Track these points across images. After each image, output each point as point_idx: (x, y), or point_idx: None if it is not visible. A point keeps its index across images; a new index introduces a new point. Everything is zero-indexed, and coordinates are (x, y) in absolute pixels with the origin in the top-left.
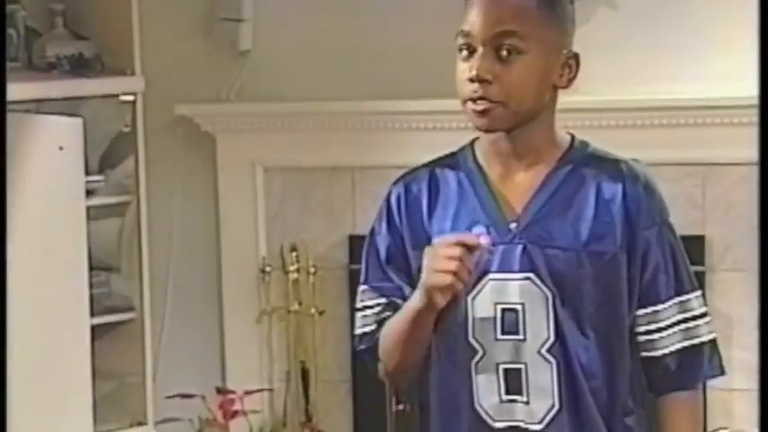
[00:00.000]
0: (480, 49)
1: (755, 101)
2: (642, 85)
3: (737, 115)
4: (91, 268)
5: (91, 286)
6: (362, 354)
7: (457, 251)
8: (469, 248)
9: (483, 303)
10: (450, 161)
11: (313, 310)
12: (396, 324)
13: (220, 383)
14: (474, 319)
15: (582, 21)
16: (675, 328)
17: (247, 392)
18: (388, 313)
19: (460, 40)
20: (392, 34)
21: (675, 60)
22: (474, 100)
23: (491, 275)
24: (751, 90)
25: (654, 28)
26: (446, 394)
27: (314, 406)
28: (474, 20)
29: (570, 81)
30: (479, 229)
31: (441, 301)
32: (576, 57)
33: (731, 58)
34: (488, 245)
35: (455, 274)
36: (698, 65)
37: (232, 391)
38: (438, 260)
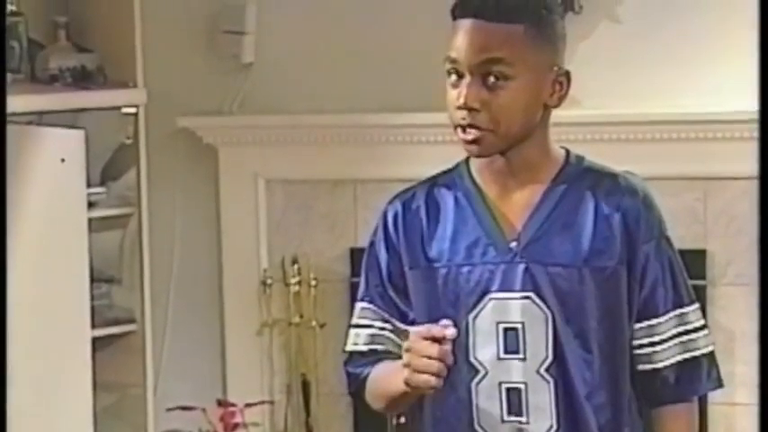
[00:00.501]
0: (467, 77)
1: (756, 115)
2: (644, 99)
3: (739, 130)
4: (92, 280)
5: (92, 298)
6: (348, 377)
7: (435, 350)
8: (443, 340)
9: (484, 323)
10: (445, 180)
11: (314, 323)
12: (382, 384)
13: (221, 396)
14: (475, 338)
15: (584, 35)
16: (674, 341)
17: (248, 405)
18: (383, 342)
19: (448, 66)
20: (395, 47)
21: (677, 75)
22: (463, 127)
23: (492, 294)
24: (752, 104)
25: (655, 42)
26: (443, 414)
27: (315, 419)
28: (460, 46)
29: (561, 99)
30: (445, 321)
31: (426, 393)
32: (567, 74)
33: (732, 73)
34: (453, 336)
35: (436, 374)
36: (699, 79)
37: (233, 404)
38: (418, 360)
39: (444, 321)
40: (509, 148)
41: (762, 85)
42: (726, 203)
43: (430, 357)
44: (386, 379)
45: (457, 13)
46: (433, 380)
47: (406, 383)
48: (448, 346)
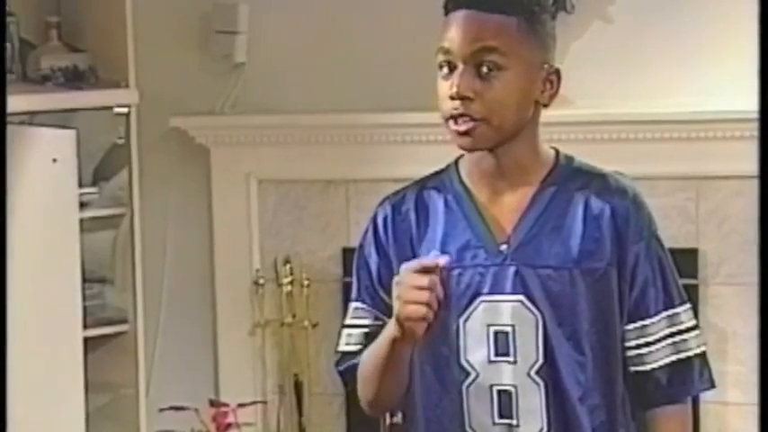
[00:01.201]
0: (460, 66)
1: (749, 115)
2: (636, 98)
3: (731, 129)
4: (84, 280)
5: (84, 298)
6: (341, 376)
7: (426, 280)
8: (434, 271)
9: (475, 325)
10: (435, 182)
11: (306, 323)
12: (374, 351)
13: (214, 396)
14: (466, 341)
15: (576, 35)
16: (665, 342)
17: (241, 405)
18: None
19: (440, 57)
20: (388, 47)
21: (669, 74)
22: (455, 118)
23: (482, 297)
24: (744, 104)
25: (647, 43)
26: (435, 416)
27: (307, 419)
28: (453, 36)
29: (552, 97)
30: (436, 252)
31: (418, 331)
32: (558, 72)
33: (725, 73)
34: (447, 264)
35: (427, 304)
36: (691, 79)
37: (225, 404)
38: (408, 291)
39: (435, 252)
40: (499, 145)
41: (762, 85)
42: (718, 203)
43: (421, 288)
44: (375, 345)
45: (450, 7)
46: (423, 309)
47: (397, 319)
48: (437, 277)
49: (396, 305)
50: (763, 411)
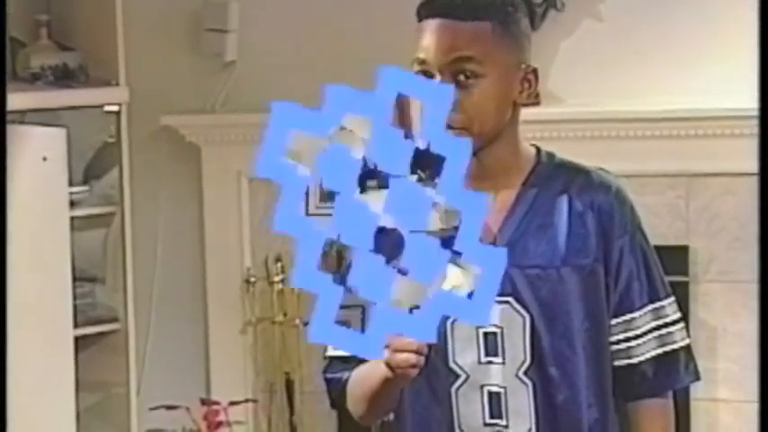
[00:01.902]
0: (437, 77)
1: (740, 112)
2: (626, 96)
3: (721, 126)
4: (75, 279)
5: (75, 297)
6: (327, 384)
7: None
8: None
9: (462, 327)
10: None
11: (297, 321)
12: (365, 381)
13: (205, 394)
14: (454, 344)
15: (567, 33)
16: (651, 335)
17: (232, 403)
18: None
19: (416, 68)
20: (378, 45)
21: (659, 72)
22: None
23: None
24: (735, 102)
25: (638, 40)
26: (423, 419)
27: (298, 417)
28: (428, 47)
29: (530, 96)
30: None
31: (411, 375)
32: (535, 71)
33: (715, 71)
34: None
35: (417, 351)
36: (682, 77)
37: (216, 402)
38: (397, 339)
39: None
40: (480, 149)
41: (762, 84)
42: (708, 200)
43: None
44: (367, 372)
45: (423, 14)
46: (413, 357)
47: (388, 365)
48: None
49: (385, 352)
50: (763, 409)
